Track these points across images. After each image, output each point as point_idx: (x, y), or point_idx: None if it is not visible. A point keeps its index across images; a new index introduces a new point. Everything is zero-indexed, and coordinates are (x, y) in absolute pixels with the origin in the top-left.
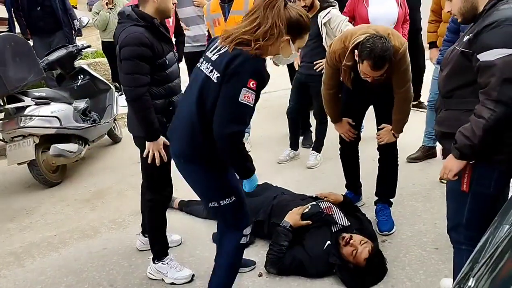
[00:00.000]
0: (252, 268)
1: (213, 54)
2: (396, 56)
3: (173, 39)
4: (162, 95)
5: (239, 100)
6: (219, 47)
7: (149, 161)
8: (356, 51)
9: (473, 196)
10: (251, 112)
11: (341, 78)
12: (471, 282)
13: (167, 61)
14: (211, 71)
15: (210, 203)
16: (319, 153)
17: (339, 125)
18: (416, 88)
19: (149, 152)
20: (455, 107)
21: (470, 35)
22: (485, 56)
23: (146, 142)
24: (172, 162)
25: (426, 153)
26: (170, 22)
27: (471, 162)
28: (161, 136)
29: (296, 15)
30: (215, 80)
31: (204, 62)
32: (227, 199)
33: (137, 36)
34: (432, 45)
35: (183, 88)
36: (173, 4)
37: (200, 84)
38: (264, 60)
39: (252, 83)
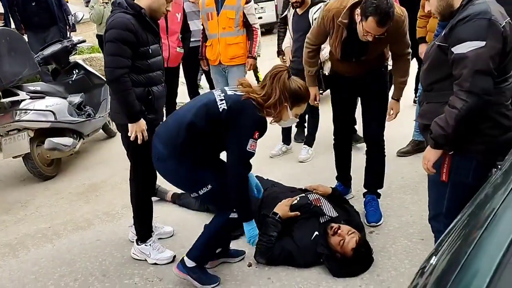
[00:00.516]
0: (242, 258)
1: (230, 90)
2: (399, 21)
3: (180, 35)
4: (142, 83)
5: (247, 149)
6: (236, 88)
7: (131, 138)
8: (357, 9)
9: (452, 185)
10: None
11: (329, 43)
12: (432, 260)
13: (150, 50)
14: (221, 100)
15: (191, 195)
16: (311, 147)
17: (312, 90)
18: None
19: (132, 134)
20: (435, 100)
21: (446, 29)
22: (459, 49)
23: (129, 124)
24: None
25: (416, 147)
26: (178, 18)
27: (450, 153)
28: (142, 119)
29: (296, 87)
30: (220, 109)
31: (220, 90)
32: (204, 188)
33: (123, 21)
34: (422, 40)
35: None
36: (166, 11)
37: (206, 102)
38: None
39: (257, 134)
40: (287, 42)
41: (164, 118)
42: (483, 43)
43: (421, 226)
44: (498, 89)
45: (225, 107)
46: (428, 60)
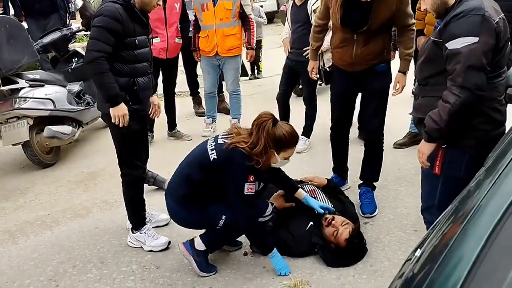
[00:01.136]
0: (239, 248)
1: (221, 138)
2: None
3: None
4: (126, 73)
5: (245, 193)
6: (228, 136)
7: (115, 122)
8: None
9: (445, 179)
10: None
11: (330, 10)
12: (417, 252)
13: (136, 41)
14: (212, 149)
15: (216, 229)
16: (308, 138)
17: (312, 63)
18: None
19: (115, 119)
20: (430, 94)
21: (441, 25)
22: (452, 44)
23: (110, 109)
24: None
25: (412, 139)
26: (177, 8)
27: (443, 146)
28: (122, 103)
29: (281, 134)
30: (211, 159)
31: (212, 139)
32: (220, 221)
33: (111, 9)
34: (420, 33)
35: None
36: (157, 4)
37: (198, 154)
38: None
39: (251, 177)
40: (286, 33)
41: (162, 109)
42: (476, 39)
43: (415, 217)
44: (491, 84)
45: (215, 157)
46: (423, 54)
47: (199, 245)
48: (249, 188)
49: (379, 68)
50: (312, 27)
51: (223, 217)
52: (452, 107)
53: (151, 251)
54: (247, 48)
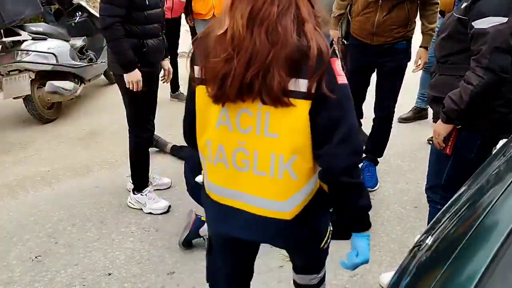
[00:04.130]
0: None
1: None
2: None
3: None
4: (136, 34)
5: None
6: None
7: (130, 88)
8: None
9: (455, 159)
10: None
11: None
12: (428, 240)
13: (147, 1)
14: None
15: None
16: None
17: (332, 32)
18: None
19: (129, 84)
20: (448, 72)
21: (468, 2)
22: (479, 24)
23: (125, 75)
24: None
25: (418, 114)
26: None
27: (457, 127)
28: (136, 69)
29: None
30: None
31: None
32: None
33: None
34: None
35: None
36: None
37: None
38: None
39: None
40: None
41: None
42: (505, 19)
43: (416, 194)
44: None
45: None
46: (445, 31)
47: (205, 231)
48: None
49: (400, 46)
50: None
51: None
52: (474, 88)
53: (150, 213)
54: None
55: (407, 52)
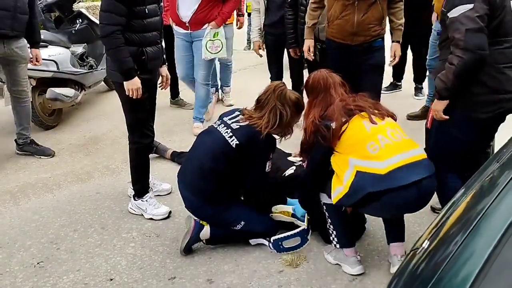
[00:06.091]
0: None
1: (232, 123)
2: None
3: None
4: (135, 42)
5: (266, 170)
6: (238, 119)
7: (130, 95)
8: None
9: (437, 130)
10: None
11: None
12: (425, 244)
13: (146, 10)
14: (230, 136)
15: (231, 228)
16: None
17: (307, 42)
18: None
19: (128, 92)
20: (444, 57)
21: None
22: (452, 13)
23: (124, 83)
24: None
25: (426, 113)
26: None
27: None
28: (136, 77)
29: (295, 97)
30: (233, 145)
31: (223, 125)
32: (238, 225)
33: None
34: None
35: None
36: None
37: (218, 144)
38: None
39: (271, 155)
40: (256, 35)
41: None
42: (471, 5)
43: None
44: (490, 51)
45: (237, 142)
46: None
47: (205, 235)
48: (268, 166)
49: (377, 44)
50: (309, 4)
51: (242, 222)
52: (456, 68)
53: (151, 219)
54: (237, 15)
55: (383, 48)
